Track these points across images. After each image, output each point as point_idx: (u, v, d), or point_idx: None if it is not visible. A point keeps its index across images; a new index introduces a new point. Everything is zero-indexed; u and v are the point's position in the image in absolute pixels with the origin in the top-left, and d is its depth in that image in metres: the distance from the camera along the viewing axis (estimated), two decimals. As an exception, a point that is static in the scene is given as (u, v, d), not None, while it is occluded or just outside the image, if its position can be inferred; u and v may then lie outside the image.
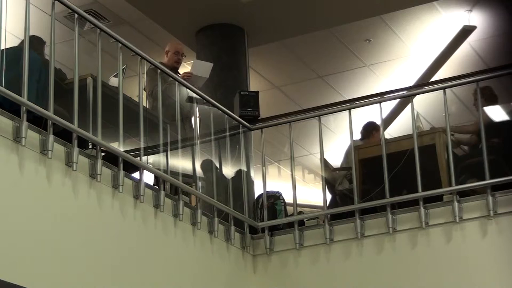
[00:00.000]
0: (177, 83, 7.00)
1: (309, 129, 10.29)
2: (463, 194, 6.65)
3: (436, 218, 6.60)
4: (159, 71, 6.62)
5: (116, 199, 5.65)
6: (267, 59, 11.08)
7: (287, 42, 10.63)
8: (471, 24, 10.69)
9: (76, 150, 5.31)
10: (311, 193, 12.38)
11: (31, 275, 4.82)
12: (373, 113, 7.66)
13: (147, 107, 7.15)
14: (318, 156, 8.01)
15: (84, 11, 5.99)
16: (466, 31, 10.77)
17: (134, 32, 10.18)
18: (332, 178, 8.06)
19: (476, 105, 7.46)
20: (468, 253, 6.46)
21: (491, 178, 6.52)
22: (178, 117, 6.84)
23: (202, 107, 7.37)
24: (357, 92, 11.16)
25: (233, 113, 7.65)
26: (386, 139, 7.20)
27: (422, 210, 6.60)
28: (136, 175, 5.96)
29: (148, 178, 6.27)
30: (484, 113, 7.17)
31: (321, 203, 7.23)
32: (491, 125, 7.33)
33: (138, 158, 6.03)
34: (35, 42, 6.03)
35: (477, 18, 10.64)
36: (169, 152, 6.58)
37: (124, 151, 5.81)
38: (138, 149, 6.08)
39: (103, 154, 5.64)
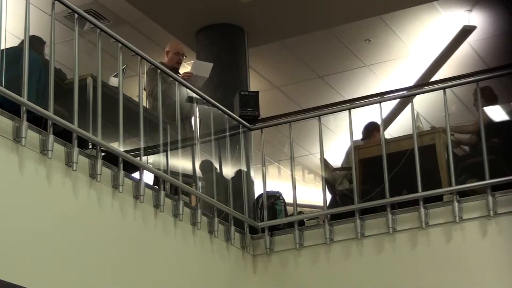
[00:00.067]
0: (177, 83, 7.00)
1: (309, 129, 10.29)
2: (463, 194, 6.65)
3: (436, 218, 6.60)
4: (159, 71, 6.62)
5: (116, 199, 5.65)
6: (267, 59, 11.08)
7: (287, 42, 10.63)
8: (471, 24, 10.69)
9: (76, 150, 5.31)
10: (311, 193, 12.38)
11: (31, 275, 4.82)
12: (373, 113, 7.66)
13: (147, 107, 7.15)
14: (318, 156, 8.01)
15: (84, 11, 5.99)
16: (466, 31, 10.77)
17: (134, 32, 10.19)
18: (332, 178, 8.06)
19: (476, 105, 7.46)
20: (468, 253, 6.46)
21: (491, 178, 6.52)
22: (178, 117, 6.83)
23: (202, 107, 7.37)
24: (357, 92, 11.16)
25: (233, 113, 7.65)
26: (386, 139, 7.20)
27: (422, 210, 6.60)
28: (136, 175, 5.96)
29: (148, 178, 6.27)
30: (484, 113, 7.17)
31: (321, 203, 7.23)
32: (491, 125, 7.33)
33: (138, 158, 6.03)
34: (35, 42, 6.03)
35: (477, 18, 10.64)
36: (169, 152, 6.58)
37: (124, 151, 5.81)
38: (138, 149, 6.08)
39: (103, 154, 5.64)
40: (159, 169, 6.41)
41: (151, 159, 6.54)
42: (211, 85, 8.79)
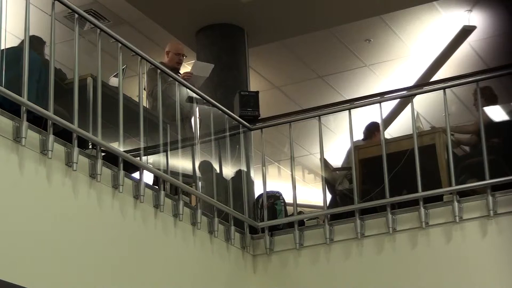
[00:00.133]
0: (177, 83, 7.00)
1: (309, 129, 10.29)
2: (463, 194, 6.65)
3: (436, 218, 6.60)
4: (159, 71, 6.62)
5: (116, 199, 5.65)
6: (267, 59, 11.08)
7: (287, 42, 10.63)
8: (471, 24, 10.69)
9: (76, 150, 5.31)
10: (311, 193, 12.38)
11: (31, 275, 4.82)
12: (373, 113, 7.66)
13: (147, 107, 7.15)
14: (318, 156, 8.01)
15: (84, 11, 5.99)
16: (466, 31, 10.77)
17: (134, 32, 10.18)
18: (332, 178, 8.06)
19: (476, 105, 7.46)
20: (468, 253, 6.46)
21: (491, 178, 6.52)
22: (178, 117, 6.83)
23: (202, 107, 7.37)
24: (357, 92, 11.16)
25: (233, 113, 7.65)
26: (386, 139, 7.20)
27: (422, 210, 6.60)
28: (136, 175, 5.96)
29: (147, 177, 6.27)
30: (484, 113, 7.17)
31: (321, 203, 7.23)
32: (491, 125, 7.33)
33: (138, 158, 6.03)
34: (35, 42, 6.03)
35: (477, 18, 10.64)
36: (169, 152, 6.57)
37: (124, 151, 5.81)
38: (138, 149, 6.08)
39: (103, 154, 5.64)
40: (159, 169, 6.41)
41: (151, 159, 6.54)
42: (211, 85, 8.79)
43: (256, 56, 10.48)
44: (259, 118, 7.97)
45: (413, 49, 11.25)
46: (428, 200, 6.67)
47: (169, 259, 6.13)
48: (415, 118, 7.14)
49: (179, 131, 6.85)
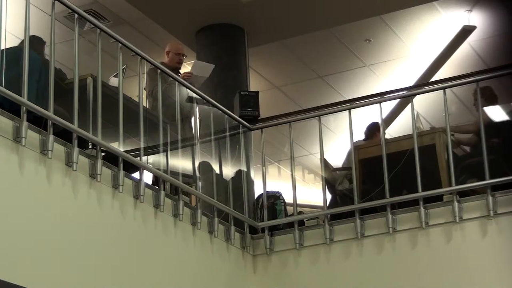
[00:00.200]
0: (177, 83, 6.99)
1: (309, 129, 10.29)
2: (463, 194, 6.65)
3: (436, 218, 6.60)
4: (159, 71, 6.62)
5: (116, 199, 5.65)
6: (267, 59, 11.08)
7: (287, 42, 10.63)
8: (471, 24, 10.69)
9: (76, 150, 5.31)
10: (311, 193, 12.38)
11: (31, 275, 4.82)
12: (373, 113, 7.66)
13: (147, 107, 7.15)
14: (318, 156, 8.01)
15: (84, 11, 5.99)
16: (466, 31, 10.77)
17: (134, 32, 10.18)
18: (332, 178, 8.06)
19: (476, 105, 7.46)
20: (468, 253, 6.46)
21: (491, 178, 6.52)
22: (178, 117, 6.83)
23: (202, 107, 7.37)
24: (357, 92, 11.17)
25: (233, 113, 7.65)
26: (386, 139, 7.20)
27: (422, 210, 6.59)
28: (136, 175, 5.96)
29: (147, 177, 6.27)
30: (484, 113, 7.16)
31: (321, 203, 7.23)
32: (491, 125, 7.33)
33: (138, 158, 6.03)
34: (35, 42, 6.03)
35: (477, 18, 10.64)
36: (169, 152, 6.57)
37: (124, 151, 5.81)
38: (138, 149, 6.08)
39: (103, 154, 5.64)
40: (159, 169, 6.41)
41: (151, 159, 6.54)
42: (211, 85, 8.79)
43: (256, 56, 10.48)
44: (259, 118, 7.97)
45: (413, 49, 11.25)
46: (428, 200, 6.67)
47: (169, 259, 6.13)
48: (415, 118, 7.14)
49: (179, 131, 6.85)
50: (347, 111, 7.27)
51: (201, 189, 7.04)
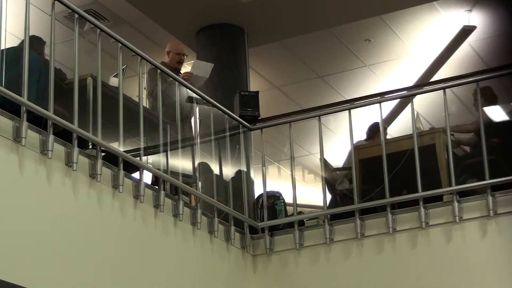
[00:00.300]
0: (177, 83, 6.99)
1: (309, 129, 10.29)
2: (463, 194, 6.65)
3: (436, 218, 6.60)
4: (159, 71, 6.62)
5: (116, 199, 5.65)
6: (267, 59, 11.08)
7: (287, 42, 10.63)
8: (471, 24, 10.69)
9: (76, 150, 5.31)
10: (311, 193, 12.38)
11: (31, 275, 4.82)
12: (373, 113, 7.66)
13: (147, 107, 7.15)
14: (318, 156, 8.01)
15: (84, 11, 5.99)
16: (466, 31, 10.77)
17: (134, 32, 10.19)
18: (332, 178, 8.06)
19: (476, 105, 7.46)
20: (468, 253, 6.46)
21: (491, 178, 6.52)
22: (178, 117, 6.83)
23: (202, 107, 7.37)
24: (357, 92, 11.17)
25: (233, 113, 7.65)
26: (386, 139, 7.20)
27: (422, 210, 6.59)
28: (136, 175, 5.96)
29: (147, 177, 6.27)
30: (484, 113, 7.16)
31: (321, 203, 7.23)
32: (491, 125, 7.33)
33: (138, 158, 6.03)
34: (35, 42, 6.03)
35: (477, 18, 10.64)
36: (169, 152, 6.57)
37: (124, 151, 5.81)
38: (138, 149, 6.08)
39: (103, 154, 5.64)
40: (159, 169, 6.41)
41: (151, 159, 6.54)
42: (211, 85, 8.79)
43: (256, 56, 10.48)
44: (259, 118, 7.96)
45: (413, 49, 11.25)
46: (428, 200, 6.67)
47: (169, 259, 6.13)
48: (415, 118, 7.14)
49: (179, 131, 6.85)
50: (347, 111, 7.27)
51: (201, 189, 7.04)
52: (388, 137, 8.43)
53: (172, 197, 6.28)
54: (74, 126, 5.37)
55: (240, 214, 7.06)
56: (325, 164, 7.63)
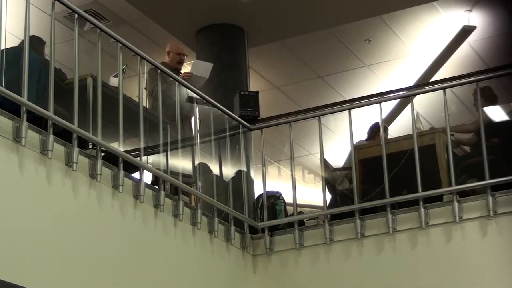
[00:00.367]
0: (177, 83, 6.99)
1: (309, 129, 10.29)
2: (463, 194, 6.65)
3: (436, 218, 6.60)
4: (159, 71, 6.62)
5: (116, 199, 5.65)
6: (267, 59, 11.08)
7: (287, 42, 10.63)
8: (471, 24, 10.69)
9: (76, 150, 5.31)
10: (311, 193, 12.38)
11: (31, 275, 4.82)
12: (373, 113, 7.66)
13: (147, 107, 7.15)
14: (318, 156, 8.01)
15: (84, 11, 5.99)
16: (466, 31, 10.77)
17: (134, 32, 10.19)
18: (332, 178, 8.06)
19: (476, 105, 7.46)
20: (468, 253, 6.46)
21: (491, 178, 6.52)
22: (178, 117, 6.83)
23: (202, 107, 7.37)
24: (357, 92, 11.17)
25: (233, 113, 7.65)
26: (386, 139, 7.20)
27: (422, 210, 6.59)
28: (136, 175, 5.96)
29: (146, 177, 6.27)
30: (484, 113, 7.16)
31: (321, 203, 7.23)
32: (491, 125, 7.33)
33: (138, 158, 6.03)
34: (35, 42, 6.03)
35: (477, 18, 10.64)
36: (169, 152, 6.57)
37: (124, 151, 5.81)
38: (138, 149, 6.08)
39: (103, 154, 5.64)
40: (159, 169, 6.41)
41: (151, 159, 6.54)
42: (211, 85, 8.79)
43: (256, 56, 10.48)
44: (259, 118, 7.96)
45: (413, 49, 11.25)
46: (428, 200, 6.67)
47: (169, 259, 6.13)
48: (415, 118, 7.14)
49: (179, 131, 6.85)
50: (347, 111, 7.27)
51: (201, 189, 7.04)
52: (389, 137, 8.43)
53: (172, 197, 6.29)
54: (74, 126, 5.37)
55: (240, 214, 7.06)
56: (325, 164, 7.63)
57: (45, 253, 4.97)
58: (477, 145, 7.08)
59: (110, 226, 5.58)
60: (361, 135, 8.46)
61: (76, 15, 5.69)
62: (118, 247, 5.59)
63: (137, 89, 6.36)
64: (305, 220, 7.36)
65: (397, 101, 10.26)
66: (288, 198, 7.60)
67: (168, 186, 6.38)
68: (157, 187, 6.16)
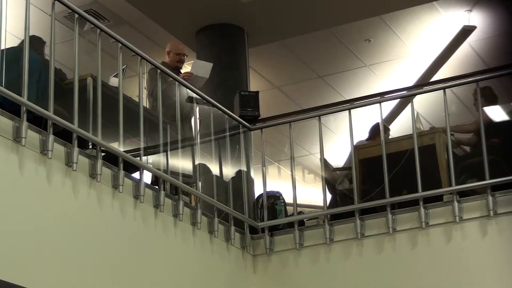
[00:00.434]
0: (177, 83, 7.00)
1: (309, 129, 10.29)
2: (463, 194, 6.66)
3: (436, 218, 6.60)
4: (159, 71, 6.62)
5: (116, 199, 5.65)
6: (267, 59, 11.08)
7: (287, 42, 10.63)
8: (471, 24, 10.69)
9: (76, 150, 5.31)
10: (311, 193, 12.38)
11: (31, 275, 4.82)
12: (373, 113, 7.66)
13: (147, 107, 7.15)
14: (318, 156, 8.01)
15: (84, 11, 5.99)
16: (466, 31, 10.77)
17: (134, 32, 10.19)
18: (332, 178, 8.06)
19: (476, 105, 7.46)
20: (468, 253, 6.46)
21: (491, 178, 6.52)
22: (178, 117, 6.83)
23: (202, 107, 7.37)
24: (357, 92, 11.17)
25: (233, 113, 7.65)
26: (386, 139, 7.20)
27: (422, 210, 6.59)
28: (136, 175, 5.96)
29: (146, 177, 6.27)
30: (484, 113, 7.16)
31: (321, 203, 7.23)
32: (491, 125, 7.33)
33: (138, 158, 6.03)
34: (35, 42, 6.03)
35: (477, 18, 10.64)
36: (169, 152, 6.57)
37: (124, 151, 5.81)
38: (138, 149, 6.08)
39: (103, 154, 5.64)
40: (159, 169, 6.41)
41: (151, 159, 6.54)
42: (211, 85, 8.79)
43: (256, 56, 10.48)
44: (259, 118, 7.97)
45: (413, 49, 11.25)
46: (428, 200, 6.67)
47: (169, 259, 6.13)
48: (415, 118, 7.14)
49: (179, 131, 6.85)
50: (347, 111, 7.27)
51: (201, 189, 7.04)
52: (390, 137, 8.43)
53: (172, 197, 6.29)
54: (74, 126, 5.37)
55: (240, 214, 7.06)
56: (325, 164, 7.63)
57: (45, 253, 4.97)
58: (477, 145, 7.08)
59: (110, 226, 5.58)
60: (361, 135, 8.46)
61: (76, 15, 5.69)
62: (118, 247, 5.59)
63: (137, 89, 6.36)
64: (305, 220, 7.36)
65: (397, 101, 10.26)
66: (288, 198, 7.60)
67: (168, 186, 6.38)
68: (157, 187, 6.16)
